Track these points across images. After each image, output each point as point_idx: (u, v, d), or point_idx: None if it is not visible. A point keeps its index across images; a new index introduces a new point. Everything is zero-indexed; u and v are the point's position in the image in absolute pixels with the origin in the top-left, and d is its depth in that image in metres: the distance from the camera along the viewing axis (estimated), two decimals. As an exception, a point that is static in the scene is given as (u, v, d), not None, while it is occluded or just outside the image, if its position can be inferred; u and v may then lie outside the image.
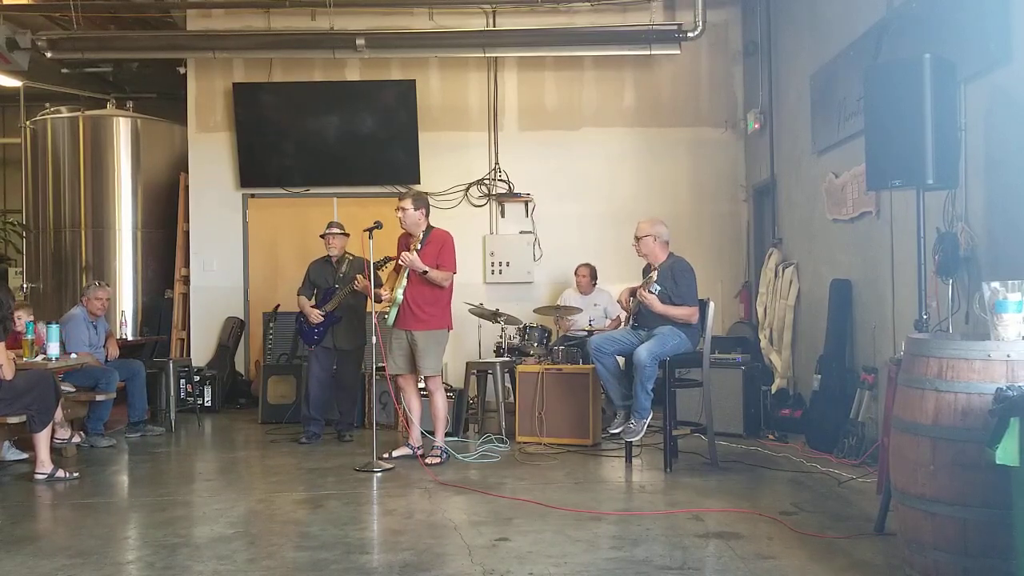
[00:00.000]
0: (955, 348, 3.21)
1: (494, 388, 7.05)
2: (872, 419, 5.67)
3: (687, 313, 5.64)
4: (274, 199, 9.27)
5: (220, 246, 9.21)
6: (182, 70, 9.28)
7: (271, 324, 8.50)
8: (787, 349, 7.34)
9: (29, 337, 6.22)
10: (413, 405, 6.16)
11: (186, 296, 9.29)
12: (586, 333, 7.33)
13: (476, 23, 8.93)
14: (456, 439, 6.73)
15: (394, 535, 4.24)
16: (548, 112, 9.17)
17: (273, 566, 3.75)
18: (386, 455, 5.95)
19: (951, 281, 4.67)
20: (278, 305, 8.60)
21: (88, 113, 9.33)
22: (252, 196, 9.27)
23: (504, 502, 4.81)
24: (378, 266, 6.17)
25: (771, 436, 6.59)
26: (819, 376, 6.35)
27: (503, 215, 9.13)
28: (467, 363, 7.42)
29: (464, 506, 4.77)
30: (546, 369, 6.68)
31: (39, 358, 6.10)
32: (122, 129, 9.27)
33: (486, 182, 9.13)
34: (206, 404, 8.31)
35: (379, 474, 5.57)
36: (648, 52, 8.49)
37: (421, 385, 6.23)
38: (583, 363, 6.68)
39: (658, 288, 5.61)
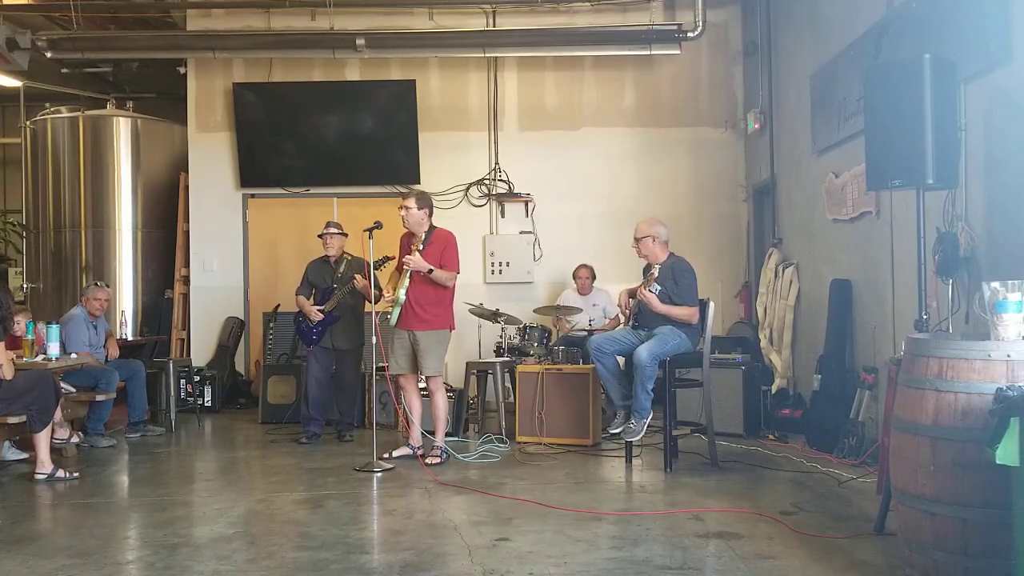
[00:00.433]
0: (955, 348, 3.21)
1: (494, 388, 7.05)
2: (872, 419, 5.67)
3: (687, 313, 5.64)
4: (274, 199, 9.27)
5: (220, 246, 9.21)
6: (182, 70, 9.27)
7: (271, 324, 8.50)
8: (787, 349, 7.34)
9: (29, 337, 6.22)
10: (414, 405, 6.16)
11: (186, 296, 9.29)
12: (585, 333, 7.33)
13: (476, 23, 8.93)
14: (456, 439, 6.73)
15: (394, 535, 4.24)
16: (548, 112, 9.17)
17: (273, 566, 3.75)
18: (386, 455, 5.95)
19: (951, 281, 4.67)
20: (278, 305, 8.60)
21: (88, 113, 9.33)
22: (252, 196, 9.27)
23: (504, 502, 4.81)
24: (377, 266, 6.16)
25: (771, 436, 6.59)
26: (819, 376, 6.35)
27: (503, 215, 9.13)
28: (467, 363, 7.41)
29: (464, 506, 4.77)
30: (546, 369, 6.68)
31: (39, 358, 6.11)
32: (122, 129, 9.27)
33: (486, 182, 9.13)
34: (206, 404, 8.31)
35: (379, 474, 5.57)
36: (648, 52, 8.49)
37: (422, 385, 6.23)
38: (583, 363, 6.69)
39: (658, 288, 5.61)
